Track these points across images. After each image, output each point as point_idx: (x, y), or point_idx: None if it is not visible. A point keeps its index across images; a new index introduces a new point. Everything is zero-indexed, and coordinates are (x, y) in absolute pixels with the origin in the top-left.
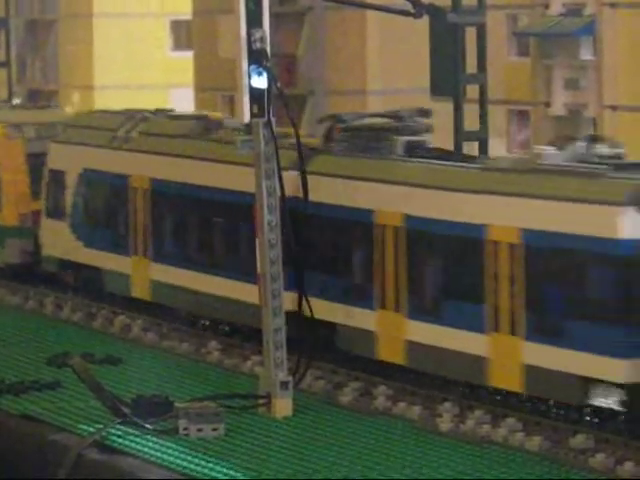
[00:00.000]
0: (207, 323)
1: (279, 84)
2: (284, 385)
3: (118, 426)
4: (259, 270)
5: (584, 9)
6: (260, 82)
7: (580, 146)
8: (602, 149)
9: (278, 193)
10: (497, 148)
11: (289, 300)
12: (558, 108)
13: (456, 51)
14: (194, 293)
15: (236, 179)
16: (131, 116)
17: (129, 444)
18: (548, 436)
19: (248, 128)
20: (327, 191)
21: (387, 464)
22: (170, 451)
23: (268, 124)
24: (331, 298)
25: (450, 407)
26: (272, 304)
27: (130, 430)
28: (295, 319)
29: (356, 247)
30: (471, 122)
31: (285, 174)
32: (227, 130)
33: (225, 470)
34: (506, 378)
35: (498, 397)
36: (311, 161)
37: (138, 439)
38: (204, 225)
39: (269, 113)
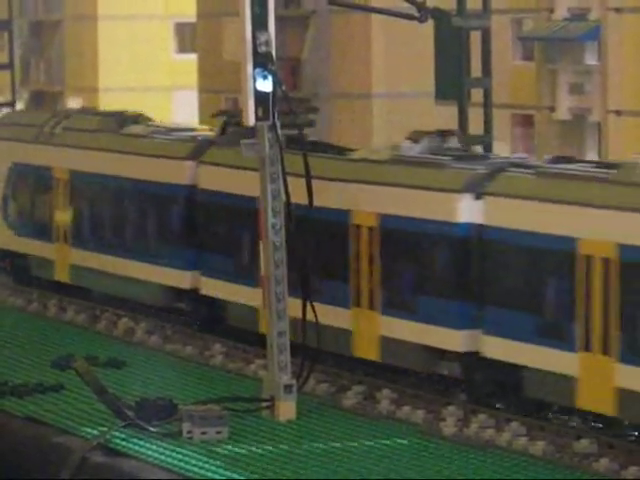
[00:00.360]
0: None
1: (284, 87)
2: (288, 388)
3: (122, 429)
4: (263, 273)
5: (589, 14)
6: (265, 85)
7: (433, 139)
8: (452, 142)
9: (283, 197)
10: (501, 152)
11: (188, 279)
12: (562, 113)
13: (461, 55)
14: (108, 275)
15: (144, 170)
16: (56, 113)
17: (133, 447)
18: (552, 440)
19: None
20: (218, 180)
21: (390, 468)
22: (174, 454)
23: (273, 127)
24: (220, 277)
25: (454, 411)
26: (276, 307)
27: (134, 433)
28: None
29: (244, 231)
30: (475, 126)
31: (183, 163)
32: (141, 125)
33: (229, 473)
34: (366, 349)
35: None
36: (205, 152)
37: (142, 442)
38: (116, 212)
39: (274, 116)
